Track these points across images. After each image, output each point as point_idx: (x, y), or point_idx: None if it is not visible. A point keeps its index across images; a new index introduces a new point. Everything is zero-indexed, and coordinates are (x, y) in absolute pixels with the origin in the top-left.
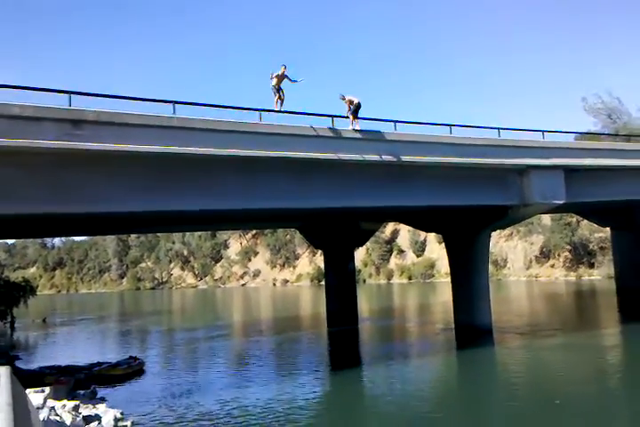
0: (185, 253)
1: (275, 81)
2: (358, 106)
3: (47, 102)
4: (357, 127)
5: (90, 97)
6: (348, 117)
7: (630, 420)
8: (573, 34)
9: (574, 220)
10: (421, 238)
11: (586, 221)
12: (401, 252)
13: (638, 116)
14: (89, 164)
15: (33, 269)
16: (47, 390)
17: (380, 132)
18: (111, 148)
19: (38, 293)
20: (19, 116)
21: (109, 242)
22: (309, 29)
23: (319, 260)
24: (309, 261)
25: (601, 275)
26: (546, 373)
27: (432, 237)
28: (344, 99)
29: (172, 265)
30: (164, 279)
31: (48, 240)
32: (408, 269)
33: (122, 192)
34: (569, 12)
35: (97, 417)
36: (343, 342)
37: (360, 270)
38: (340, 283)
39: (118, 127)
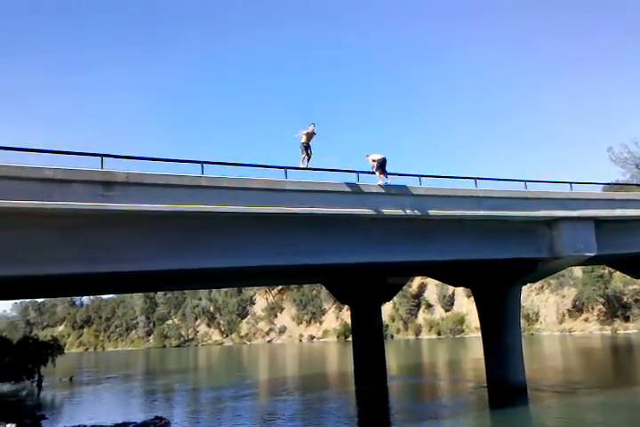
0: (211, 309)
1: (304, 138)
2: (383, 161)
3: (78, 163)
4: (388, 181)
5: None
6: (374, 173)
7: None
8: (596, 82)
9: (607, 271)
10: (449, 292)
11: (619, 272)
12: (429, 306)
13: None
14: (117, 223)
15: (61, 328)
16: None
17: (404, 186)
18: (140, 208)
19: (66, 351)
20: (51, 179)
21: (137, 299)
22: (335, 92)
23: (346, 315)
24: (336, 317)
25: (637, 328)
26: None
27: (460, 291)
28: (368, 159)
29: (198, 322)
30: (189, 336)
31: (77, 298)
32: (437, 324)
33: (149, 251)
34: (587, 60)
35: None
36: (372, 401)
37: (387, 326)
38: (367, 339)
39: (147, 187)
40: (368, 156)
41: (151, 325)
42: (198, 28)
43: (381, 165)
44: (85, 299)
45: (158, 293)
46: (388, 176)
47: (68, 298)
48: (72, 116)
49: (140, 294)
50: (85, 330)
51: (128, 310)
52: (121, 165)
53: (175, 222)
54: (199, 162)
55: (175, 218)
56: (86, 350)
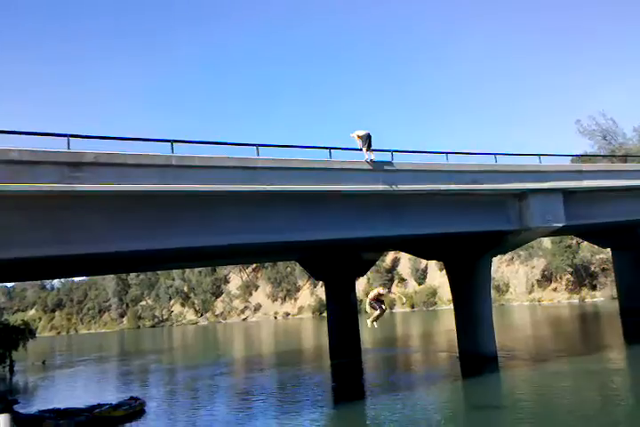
0: (185, 289)
1: (359, 142)
2: (368, 137)
3: (45, 145)
4: (373, 157)
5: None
6: (361, 150)
7: None
8: (566, 54)
9: (575, 242)
10: (422, 266)
11: (586, 242)
12: (402, 280)
13: (633, 136)
14: (88, 205)
15: (32, 312)
16: None
17: (377, 162)
18: (110, 188)
19: (38, 335)
20: (17, 160)
21: (109, 281)
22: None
23: (320, 291)
24: (310, 294)
25: (604, 296)
26: (553, 400)
27: (433, 265)
28: (353, 137)
29: (172, 302)
30: (164, 317)
31: (47, 282)
32: (410, 297)
33: (122, 232)
34: (560, 32)
35: None
36: (346, 374)
37: (362, 300)
38: (341, 314)
39: (117, 168)
40: (353, 133)
41: (124, 306)
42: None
43: (367, 140)
44: (56, 282)
45: (131, 274)
46: (374, 152)
47: (39, 282)
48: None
49: (112, 275)
50: (57, 313)
51: (100, 292)
52: (91, 145)
53: (147, 202)
54: (169, 141)
55: (147, 198)
56: (59, 333)
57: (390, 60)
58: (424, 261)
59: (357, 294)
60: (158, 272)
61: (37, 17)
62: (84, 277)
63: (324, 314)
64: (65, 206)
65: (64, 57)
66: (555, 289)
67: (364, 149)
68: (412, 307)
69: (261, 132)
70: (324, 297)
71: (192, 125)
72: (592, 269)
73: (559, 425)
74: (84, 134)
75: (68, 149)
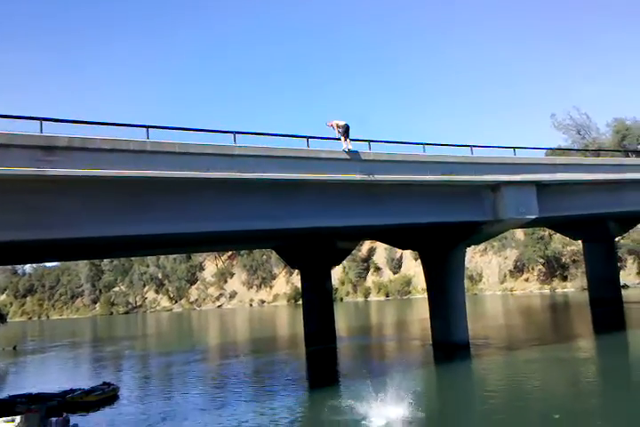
0: (159, 276)
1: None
2: (346, 127)
3: (18, 128)
4: (350, 147)
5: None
6: (339, 139)
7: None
8: (543, 48)
9: (547, 234)
10: (398, 256)
11: (558, 234)
12: (378, 269)
13: (606, 131)
14: (61, 189)
15: (3, 297)
16: (18, 418)
17: (355, 151)
18: (83, 173)
19: (9, 320)
20: None
21: (81, 267)
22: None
23: (296, 279)
24: (286, 281)
25: (574, 287)
26: (522, 385)
27: (408, 254)
28: (331, 125)
29: (146, 289)
30: (137, 303)
31: (18, 267)
32: (385, 286)
33: (95, 217)
34: (539, 26)
35: None
36: (321, 361)
37: (337, 289)
38: (317, 302)
39: (91, 153)
40: (331, 122)
41: (97, 292)
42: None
43: (346, 130)
44: (28, 267)
45: (104, 260)
46: (350, 142)
47: (9, 267)
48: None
49: (85, 261)
50: (29, 299)
51: (73, 277)
52: (67, 130)
53: (122, 188)
54: (144, 126)
55: (122, 183)
56: (30, 318)
57: (374, 46)
58: (399, 251)
59: (333, 283)
60: (132, 258)
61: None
62: (56, 263)
63: (300, 302)
64: (37, 190)
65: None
66: (527, 279)
67: (343, 139)
68: (387, 295)
69: (242, 119)
70: (299, 285)
71: (165, 111)
72: (563, 260)
73: (527, 409)
74: (58, 118)
75: (41, 132)
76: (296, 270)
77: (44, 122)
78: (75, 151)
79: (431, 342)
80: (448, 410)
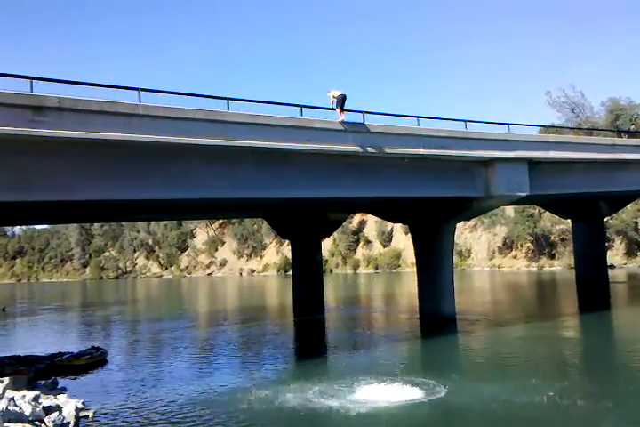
0: (150, 242)
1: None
2: (343, 98)
3: (7, 87)
4: (343, 118)
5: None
6: (334, 109)
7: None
8: (539, 27)
9: (537, 211)
10: (388, 229)
11: (548, 212)
12: (368, 242)
13: (600, 110)
14: (51, 151)
15: None
16: (6, 380)
17: (348, 122)
18: (73, 135)
19: None
20: None
21: (71, 231)
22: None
23: (286, 250)
24: (276, 251)
25: (561, 265)
26: (504, 358)
27: (399, 228)
28: (329, 95)
29: (136, 254)
30: (127, 269)
31: (8, 229)
32: (375, 259)
33: (84, 180)
34: (535, 5)
35: (58, 408)
36: (309, 331)
37: (327, 260)
38: (306, 273)
39: (82, 114)
40: (329, 91)
41: (87, 257)
42: None
43: (341, 101)
44: (17, 229)
45: (94, 224)
46: (345, 113)
47: None
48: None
49: (75, 225)
50: (18, 261)
51: (62, 241)
52: (59, 91)
53: (111, 152)
54: (136, 89)
55: (111, 147)
56: (19, 281)
57: (370, 17)
58: (390, 224)
59: (323, 254)
60: (123, 224)
61: None
62: (45, 226)
63: (290, 272)
64: (25, 151)
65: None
66: (515, 257)
67: (338, 110)
68: (376, 268)
69: (235, 88)
70: (289, 255)
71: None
72: (552, 238)
73: (505, 377)
74: (48, 77)
75: (31, 91)
76: (286, 241)
77: (34, 81)
78: (65, 112)
79: (418, 315)
80: (431, 383)
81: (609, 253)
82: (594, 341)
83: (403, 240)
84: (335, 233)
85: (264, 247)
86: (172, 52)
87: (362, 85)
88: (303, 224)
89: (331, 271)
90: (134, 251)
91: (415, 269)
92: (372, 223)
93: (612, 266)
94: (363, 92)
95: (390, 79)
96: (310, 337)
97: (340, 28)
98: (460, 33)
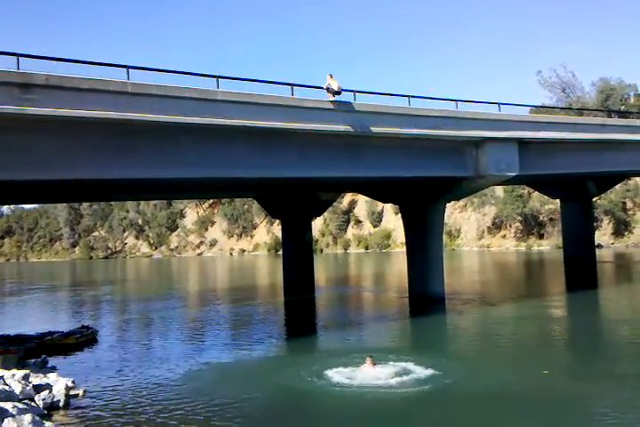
0: (140, 222)
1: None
2: (335, 93)
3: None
4: (333, 98)
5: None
6: (326, 89)
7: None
8: (531, 5)
9: (526, 192)
10: (379, 209)
11: (537, 193)
12: (358, 222)
13: (591, 90)
14: (39, 129)
15: None
16: None
17: (341, 101)
18: (62, 113)
19: None
20: None
21: (60, 210)
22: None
23: (277, 230)
24: (267, 231)
25: (550, 245)
26: (492, 335)
27: (389, 208)
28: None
29: (125, 234)
30: (117, 248)
31: None
32: (365, 239)
33: (73, 159)
34: None
35: (48, 386)
36: (299, 310)
37: (317, 240)
38: (297, 252)
39: (69, 92)
40: (332, 77)
41: (76, 236)
42: None
43: (333, 92)
44: (5, 208)
45: (83, 204)
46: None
47: None
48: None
49: (64, 204)
50: (6, 240)
51: (51, 220)
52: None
53: (99, 130)
54: (124, 66)
55: (99, 125)
56: (8, 260)
57: None
58: (380, 204)
59: (313, 234)
60: (112, 203)
61: None
62: (34, 205)
63: (280, 252)
64: (14, 129)
65: None
66: (504, 236)
67: (329, 94)
68: (366, 248)
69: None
70: (280, 235)
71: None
72: (540, 218)
73: (493, 354)
74: (36, 54)
75: (18, 69)
76: (277, 221)
77: (21, 58)
78: (52, 90)
79: (408, 294)
80: (420, 353)
81: (597, 233)
82: (581, 319)
83: (393, 220)
84: (326, 213)
85: (254, 227)
86: (168, 41)
87: (352, 65)
88: (294, 204)
89: (321, 251)
90: (124, 231)
91: (405, 249)
92: (363, 203)
93: (599, 246)
94: (353, 72)
95: (380, 59)
96: (300, 317)
97: (327, 8)
98: (452, 12)
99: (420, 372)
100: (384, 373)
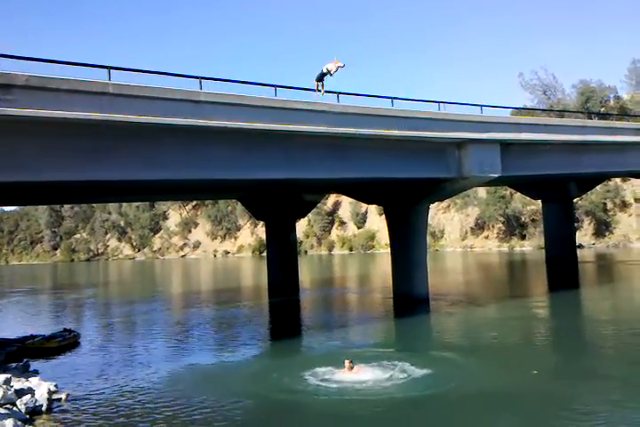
0: (122, 224)
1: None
2: (324, 74)
3: None
4: (323, 91)
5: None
6: (318, 82)
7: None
8: (512, 9)
9: (508, 193)
10: (362, 210)
11: (519, 194)
12: (342, 223)
13: (571, 92)
14: (20, 130)
15: None
16: None
17: (325, 103)
18: (43, 114)
19: None
20: None
21: (41, 212)
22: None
23: (261, 231)
24: (251, 233)
25: (532, 246)
26: (477, 335)
27: (373, 209)
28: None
29: (107, 236)
30: (99, 251)
31: None
32: (349, 240)
33: (54, 160)
34: None
35: (30, 390)
36: (284, 312)
37: (302, 242)
38: (281, 254)
39: (50, 93)
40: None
41: (58, 239)
42: None
43: (322, 76)
44: None
45: (64, 206)
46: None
47: None
48: None
49: (45, 207)
50: None
51: (32, 223)
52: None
53: (81, 131)
54: (106, 67)
55: (81, 127)
56: None
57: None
58: (364, 206)
59: (297, 235)
60: (94, 205)
61: None
62: (14, 207)
63: (264, 254)
64: None
65: None
66: (487, 237)
67: (316, 84)
68: (351, 250)
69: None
70: (264, 237)
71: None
72: (522, 219)
73: (477, 355)
74: (15, 55)
75: None
76: (261, 222)
77: (1, 58)
78: (33, 91)
79: (392, 295)
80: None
81: (578, 233)
82: (564, 320)
83: (377, 221)
84: (310, 214)
85: (238, 229)
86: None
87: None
88: (278, 205)
89: (305, 252)
90: (106, 233)
91: (389, 250)
92: (347, 205)
93: (580, 246)
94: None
95: (363, 61)
96: (284, 319)
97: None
98: (435, 15)
99: (404, 374)
100: (363, 376)
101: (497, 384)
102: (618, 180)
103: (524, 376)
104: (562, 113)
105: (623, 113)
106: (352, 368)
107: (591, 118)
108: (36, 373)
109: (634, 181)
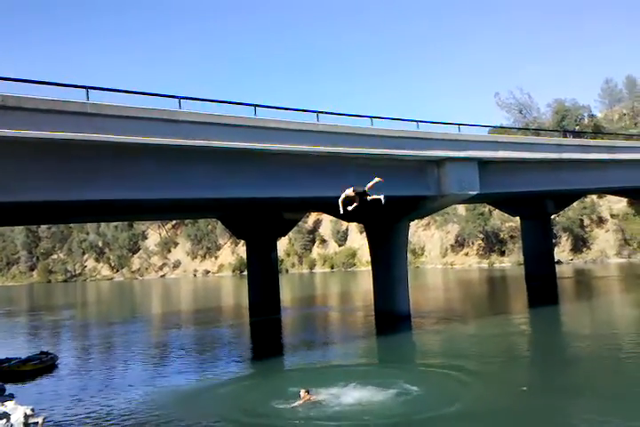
0: (100, 244)
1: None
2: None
3: None
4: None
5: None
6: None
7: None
8: (489, 28)
9: (487, 210)
10: (343, 228)
11: (498, 211)
12: (323, 241)
13: (547, 111)
14: None
15: None
16: None
17: (303, 122)
18: (17, 134)
19: None
20: None
21: (17, 233)
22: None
23: (241, 250)
24: (231, 252)
25: (511, 262)
26: (459, 353)
27: (354, 227)
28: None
29: (85, 257)
30: (77, 271)
31: None
32: (330, 258)
33: (30, 181)
34: (484, 7)
35: (5, 415)
36: (265, 331)
37: (282, 260)
38: (262, 273)
39: (27, 113)
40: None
41: (34, 259)
42: None
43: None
44: None
45: (41, 226)
46: None
47: None
48: None
49: (21, 227)
50: None
51: (8, 244)
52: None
53: (59, 151)
54: (84, 87)
55: (60, 147)
56: None
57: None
58: (345, 224)
59: (278, 254)
60: (71, 225)
61: None
62: None
63: (245, 273)
64: None
65: None
66: (466, 254)
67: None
68: (332, 267)
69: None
70: (244, 255)
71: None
72: (501, 236)
73: (461, 372)
74: None
75: None
76: (242, 241)
77: None
78: (9, 111)
79: (374, 312)
80: (386, 381)
81: (556, 249)
82: (544, 335)
83: (358, 239)
84: (291, 233)
85: (218, 248)
86: (168, 52)
87: (314, 85)
88: (258, 224)
89: (287, 271)
90: (83, 253)
91: (370, 267)
92: (328, 223)
93: (559, 262)
94: (314, 93)
95: (342, 80)
96: (265, 338)
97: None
98: (411, 32)
99: (386, 393)
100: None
101: (487, 402)
102: (594, 196)
103: (512, 392)
104: (538, 131)
105: (597, 131)
106: (309, 399)
107: (566, 136)
108: (11, 396)
109: (610, 197)
